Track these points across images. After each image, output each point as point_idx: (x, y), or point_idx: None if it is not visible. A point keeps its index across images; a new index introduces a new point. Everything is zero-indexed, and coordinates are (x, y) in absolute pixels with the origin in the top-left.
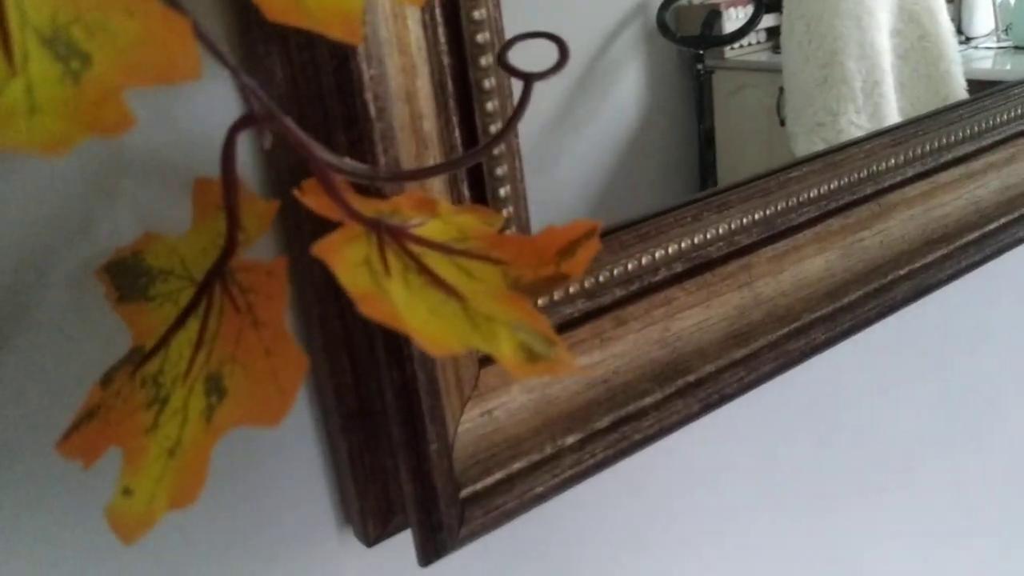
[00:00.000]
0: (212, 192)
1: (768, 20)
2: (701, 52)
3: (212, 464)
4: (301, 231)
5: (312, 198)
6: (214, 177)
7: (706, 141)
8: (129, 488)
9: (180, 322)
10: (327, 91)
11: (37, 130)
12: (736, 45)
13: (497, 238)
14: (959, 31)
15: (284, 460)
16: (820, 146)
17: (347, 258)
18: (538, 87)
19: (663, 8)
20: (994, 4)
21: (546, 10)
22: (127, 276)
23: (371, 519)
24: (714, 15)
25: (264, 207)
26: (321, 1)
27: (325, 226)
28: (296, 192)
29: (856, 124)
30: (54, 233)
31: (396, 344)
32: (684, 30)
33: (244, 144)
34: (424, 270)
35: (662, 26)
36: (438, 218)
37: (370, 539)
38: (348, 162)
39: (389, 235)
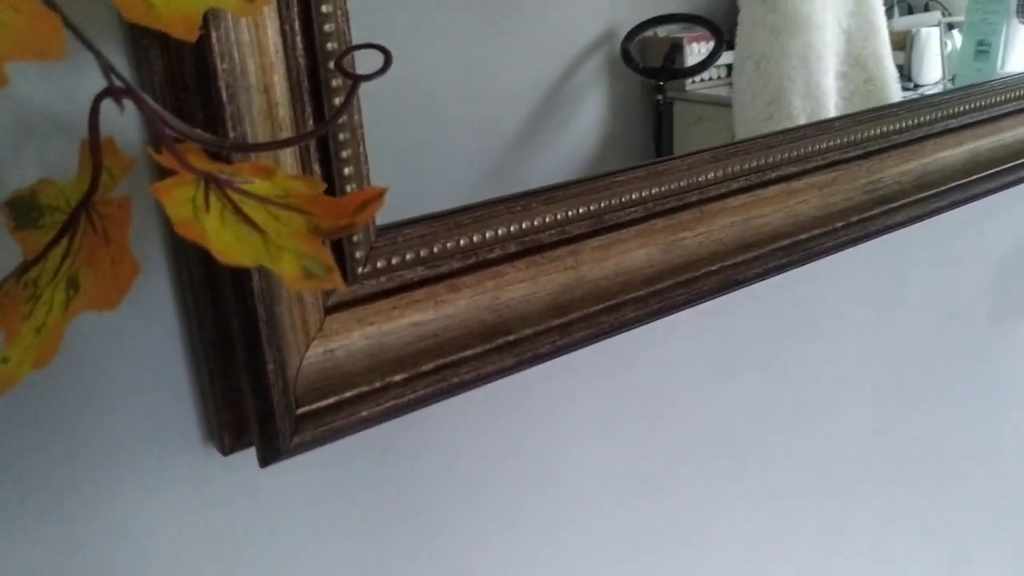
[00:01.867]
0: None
1: (728, 57)
2: (663, 84)
3: (101, 392)
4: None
5: (162, 156)
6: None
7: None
8: (7, 357)
9: (56, 240)
10: (190, 79)
11: None
12: (697, 79)
13: (312, 197)
14: (908, 78)
15: (157, 384)
16: None
17: (175, 196)
18: (501, 107)
19: (627, 39)
20: (942, 54)
21: (517, 35)
22: (23, 209)
23: (227, 432)
24: (676, 49)
25: (127, 160)
26: (168, 7)
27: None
28: (149, 148)
29: None
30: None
31: (240, 283)
32: (647, 61)
33: (131, 112)
34: (238, 211)
35: (626, 56)
36: (270, 181)
37: (226, 449)
38: (198, 132)
39: (215, 184)
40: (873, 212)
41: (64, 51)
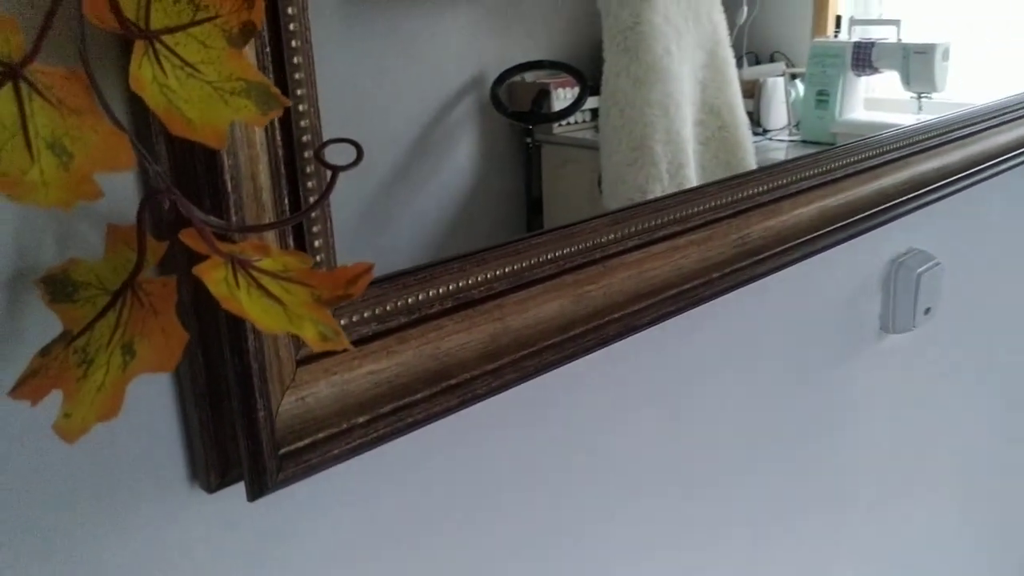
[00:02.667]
0: (119, 233)
1: (593, 102)
2: (531, 127)
3: (93, 438)
4: (177, 260)
5: (191, 240)
6: (119, 223)
7: (534, 209)
8: (69, 413)
9: (101, 315)
10: (199, 171)
11: (49, 197)
12: (563, 122)
13: (306, 271)
14: (757, 124)
15: (149, 431)
16: None
17: (213, 277)
18: (373, 148)
19: (496, 84)
20: (788, 102)
21: (388, 77)
22: (57, 286)
23: (212, 472)
24: (543, 94)
25: (157, 246)
26: (202, 122)
27: (196, 258)
28: (181, 235)
29: None
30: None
31: (237, 344)
32: (516, 105)
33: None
34: (260, 287)
35: (495, 100)
36: (269, 257)
37: (211, 487)
38: (212, 219)
39: (239, 265)
40: (743, 264)
41: (132, 162)
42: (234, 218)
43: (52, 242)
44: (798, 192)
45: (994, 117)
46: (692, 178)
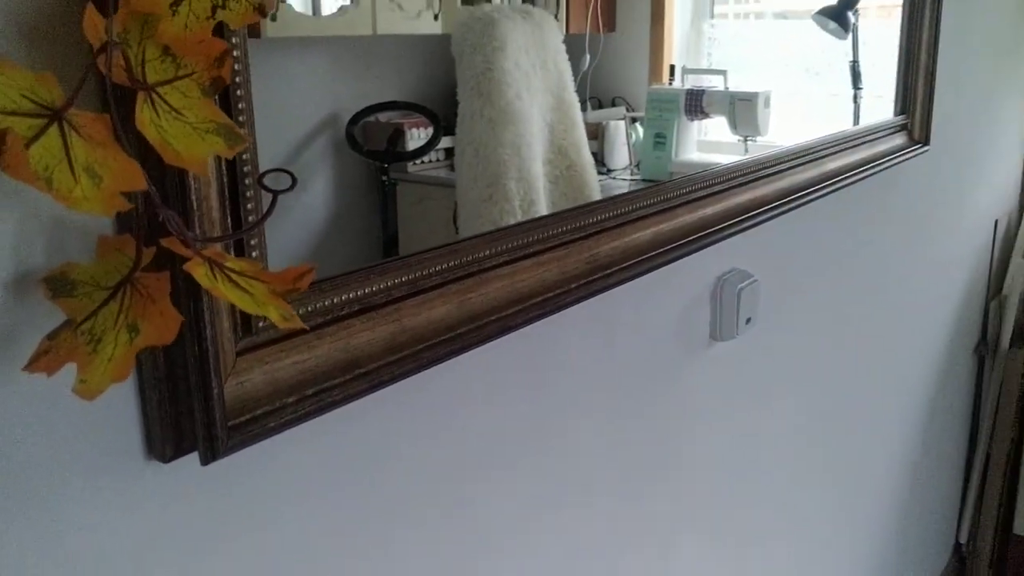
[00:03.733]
0: (109, 242)
1: (446, 141)
2: (387, 165)
3: (61, 416)
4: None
5: (174, 245)
6: (108, 235)
7: (390, 245)
8: (84, 379)
9: (104, 304)
10: (171, 191)
11: (92, 208)
12: (418, 161)
13: (262, 271)
14: (602, 163)
15: (110, 412)
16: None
17: (199, 272)
18: None
19: (351, 123)
20: (628, 144)
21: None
22: (57, 284)
23: (168, 445)
24: (398, 133)
25: (147, 250)
26: (188, 154)
27: (177, 259)
28: (164, 242)
29: None
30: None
31: (198, 332)
32: (371, 144)
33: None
34: (232, 281)
35: (351, 139)
36: (228, 261)
37: (166, 458)
38: (191, 233)
39: (215, 264)
40: (594, 277)
41: (144, 183)
42: (198, 230)
43: (41, 252)
44: (637, 218)
45: (798, 156)
46: (543, 214)
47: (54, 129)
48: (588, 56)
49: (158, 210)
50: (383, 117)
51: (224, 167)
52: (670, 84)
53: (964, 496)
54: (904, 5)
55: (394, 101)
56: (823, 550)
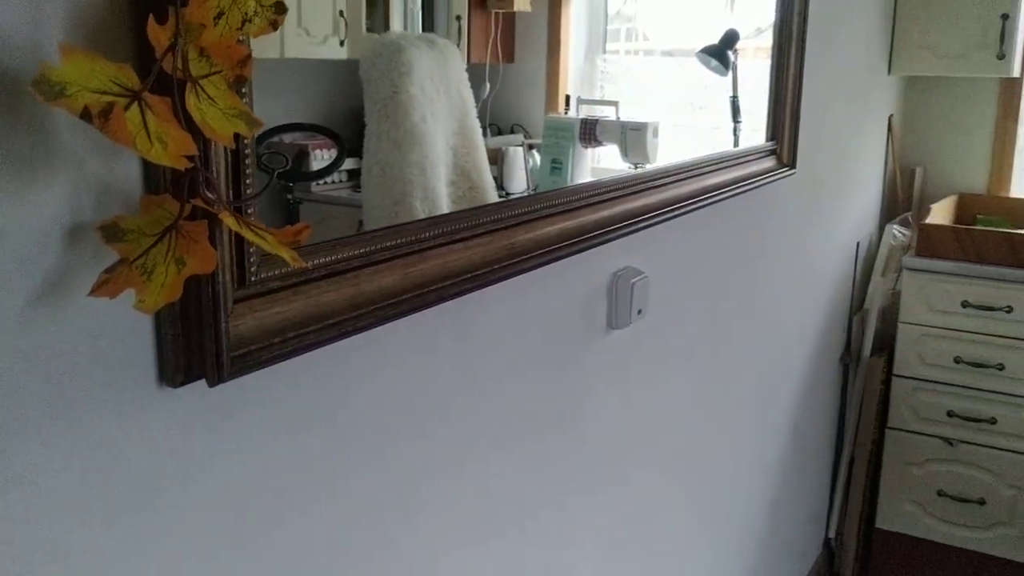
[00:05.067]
0: (152, 200)
1: (350, 163)
2: (291, 185)
3: (93, 347)
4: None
5: (206, 204)
6: (149, 195)
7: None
8: (143, 300)
9: (154, 245)
10: (198, 164)
11: (165, 161)
12: (322, 181)
13: (272, 228)
14: (501, 187)
15: (129, 343)
16: None
17: (230, 221)
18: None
19: (257, 143)
20: (526, 169)
21: None
22: (110, 232)
23: (179, 373)
24: (303, 154)
25: (186, 205)
26: (221, 131)
27: (208, 213)
28: (196, 201)
29: None
30: (73, 213)
31: (213, 282)
32: (276, 164)
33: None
34: (252, 230)
35: (256, 160)
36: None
37: (177, 383)
38: (217, 194)
39: (239, 217)
40: (512, 261)
41: (195, 149)
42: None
43: (90, 208)
44: (548, 215)
45: (682, 171)
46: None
47: (135, 107)
48: (488, 85)
49: (199, 173)
50: (288, 138)
51: (228, 150)
52: (566, 113)
53: (832, 494)
54: (773, 46)
55: (299, 123)
56: (700, 538)
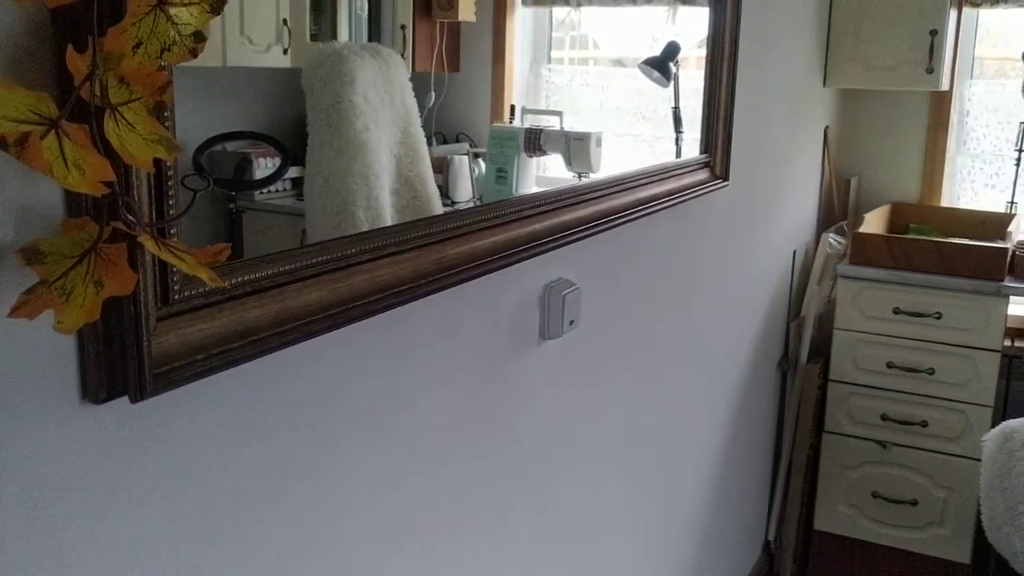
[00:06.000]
0: (72, 223)
1: (294, 171)
2: (234, 193)
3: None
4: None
5: (123, 226)
6: (69, 218)
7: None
8: (61, 321)
9: (72, 268)
10: (118, 188)
11: (82, 189)
12: (265, 190)
13: (193, 249)
14: (446, 196)
15: (52, 360)
16: None
17: (150, 244)
18: None
19: (199, 152)
20: (472, 178)
21: None
22: (31, 254)
23: (102, 389)
24: (245, 162)
25: (105, 228)
26: (140, 157)
27: (127, 235)
28: (114, 223)
29: None
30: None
31: (136, 302)
32: (218, 173)
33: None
34: (172, 252)
35: (197, 168)
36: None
37: (100, 400)
38: (133, 217)
39: (159, 239)
40: (442, 275)
41: (113, 176)
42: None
43: (12, 231)
44: (478, 230)
45: (615, 184)
46: None
47: (52, 135)
48: (433, 94)
49: (119, 197)
50: (231, 146)
51: (151, 173)
52: (511, 123)
53: (771, 497)
54: (706, 59)
55: (242, 131)
56: (639, 544)
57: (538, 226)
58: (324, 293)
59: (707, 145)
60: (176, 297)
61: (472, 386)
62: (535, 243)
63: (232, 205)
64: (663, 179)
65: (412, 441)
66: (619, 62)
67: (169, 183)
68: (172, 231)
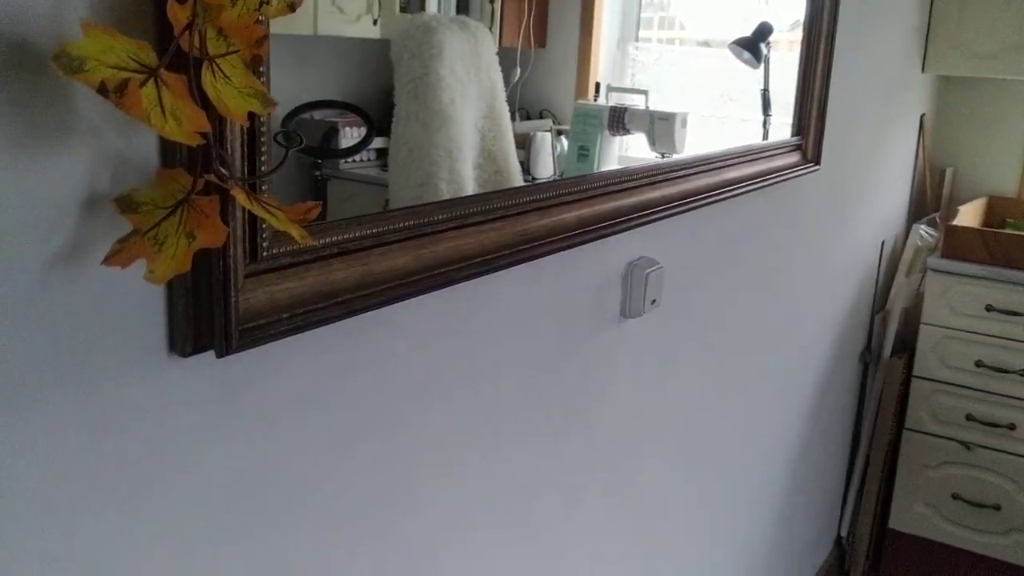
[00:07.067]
0: (166, 174)
1: (379, 142)
2: (320, 161)
3: (111, 316)
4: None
5: (218, 179)
6: (163, 168)
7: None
8: (153, 270)
9: (166, 217)
10: (211, 141)
11: (179, 137)
12: (350, 159)
13: (283, 205)
14: (527, 172)
15: (142, 314)
16: None
17: (243, 198)
18: None
19: (287, 119)
20: (554, 155)
21: None
22: (125, 203)
23: (188, 343)
24: (332, 131)
25: (199, 179)
26: (235, 110)
27: (220, 189)
28: (208, 176)
29: None
30: (91, 184)
31: (224, 257)
32: (305, 140)
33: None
34: (263, 207)
35: (286, 136)
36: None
37: (186, 353)
38: (229, 171)
39: (251, 193)
40: (525, 247)
41: (209, 127)
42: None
43: (107, 180)
44: (563, 203)
45: (702, 164)
46: None
47: (151, 83)
48: (519, 69)
49: (213, 149)
50: (318, 115)
51: (244, 129)
52: (595, 100)
53: (846, 493)
54: (802, 41)
55: (330, 100)
56: (710, 531)
57: (623, 202)
58: (409, 258)
59: (799, 128)
60: (264, 255)
61: (550, 362)
62: (619, 219)
63: (318, 172)
64: (751, 160)
65: (481, 416)
66: (706, 43)
67: (262, 139)
68: (263, 187)
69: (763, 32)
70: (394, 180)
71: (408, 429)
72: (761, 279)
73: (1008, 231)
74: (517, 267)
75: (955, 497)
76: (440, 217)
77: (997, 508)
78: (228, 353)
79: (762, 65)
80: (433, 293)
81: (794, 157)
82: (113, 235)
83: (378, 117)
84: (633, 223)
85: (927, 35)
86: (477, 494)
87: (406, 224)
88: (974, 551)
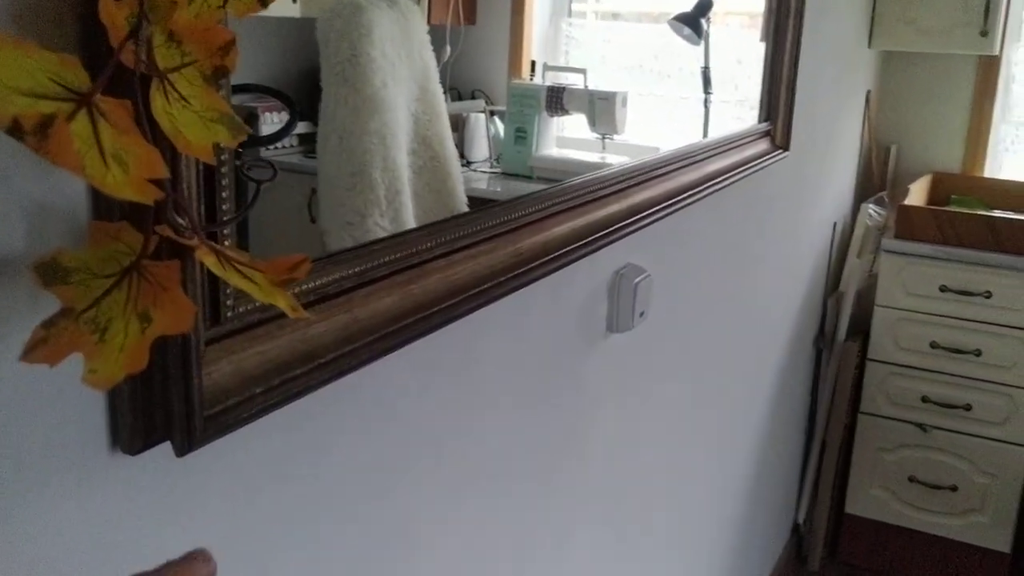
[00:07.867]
0: (104, 229)
1: (301, 127)
2: (240, 150)
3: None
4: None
5: (169, 233)
6: (101, 222)
7: (240, 231)
8: (94, 369)
9: (107, 293)
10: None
11: (126, 193)
12: (272, 147)
13: (259, 261)
14: (462, 155)
15: (74, 405)
16: (349, 242)
17: (210, 261)
18: None
19: None
20: (488, 137)
21: None
22: (49, 271)
23: (136, 438)
24: (252, 117)
25: (139, 237)
26: (196, 143)
27: (177, 246)
28: (158, 230)
29: (380, 225)
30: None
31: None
32: (262, 175)
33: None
34: (237, 270)
35: (256, 166)
36: (228, 251)
37: (134, 450)
38: (182, 222)
39: (221, 253)
40: (519, 271)
41: (165, 171)
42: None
43: (22, 238)
44: (554, 214)
45: (684, 159)
46: (408, 204)
47: (83, 115)
48: (449, 48)
49: (170, 199)
50: (235, 100)
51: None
52: (531, 80)
53: (802, 480)
54: (769, 23)
55: (246, 83)
56: (680, 528)
57: (614, 208)
58: (396, 298)
59: (768, 113)
60: (229, 315)
61: (537, 391)
62: (612, 227)
63: (238, 162)
64: (726, 151)
65: (478, 456)
66: (642, 17)
67: (222, 169)
68: (224, 232)
69: (703, 7)
70: (324, 170)
71: (399, 494)
72: (737, 274)
73: (961, 210)
74: (510, 296)
75: (911, 480)
76: (427, 245)
77: (954, 489)
78: (191, 450)
79: (702, 42)
80: (421, 339)
81: (764, 144)
82: (35, 315)
83: (300, 101)
84: (624, 230)
85: (873, 10)
86: (475, 539)
87: (389, 258)
88: (931, 532)
